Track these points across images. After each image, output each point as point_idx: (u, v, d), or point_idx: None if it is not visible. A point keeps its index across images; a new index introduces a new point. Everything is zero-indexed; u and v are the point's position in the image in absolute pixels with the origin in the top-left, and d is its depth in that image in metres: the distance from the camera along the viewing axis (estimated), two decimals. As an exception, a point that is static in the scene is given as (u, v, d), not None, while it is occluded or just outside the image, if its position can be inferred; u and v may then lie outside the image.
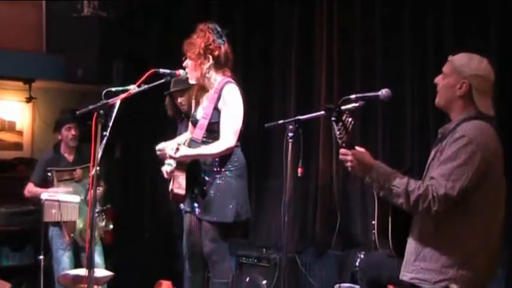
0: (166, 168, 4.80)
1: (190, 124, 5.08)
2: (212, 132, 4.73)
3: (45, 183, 6.11)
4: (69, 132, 6.13)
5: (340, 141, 3.38)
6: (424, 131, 5.37)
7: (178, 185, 4.76)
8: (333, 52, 6.08)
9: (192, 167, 4.78)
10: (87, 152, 6.01)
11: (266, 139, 6.52)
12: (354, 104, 3.81)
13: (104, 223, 6.00)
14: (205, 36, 4.74)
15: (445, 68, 3.53)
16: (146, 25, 7.77)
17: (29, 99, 7.93)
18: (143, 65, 7.03)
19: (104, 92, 4.15)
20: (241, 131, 4.74)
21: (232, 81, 4.79)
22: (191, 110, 5.14)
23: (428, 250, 3.36)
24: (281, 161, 6.29)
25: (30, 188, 6.16)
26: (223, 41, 4.77)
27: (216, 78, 4.81)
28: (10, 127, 8.07)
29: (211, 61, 4.75)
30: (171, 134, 5.64)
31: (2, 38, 7.46)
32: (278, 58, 6.64)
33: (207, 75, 4.79)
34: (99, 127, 4.02)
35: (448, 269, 3.30)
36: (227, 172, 4.77)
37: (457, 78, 3.44)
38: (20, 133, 8.13)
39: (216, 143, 4.68)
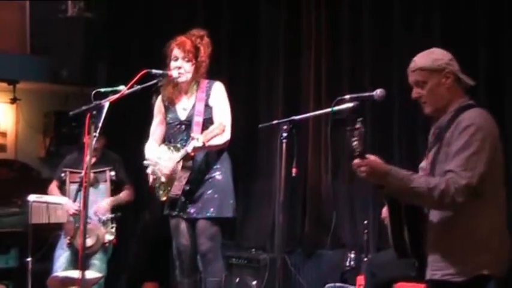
0: (149, 170, 4.87)
1: (160, 126, 5.06)
2: (207, 128, 4.75)
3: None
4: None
5: (355, 152, 3.32)
6: (412, 133, 5.43)
7: (179, 186, 4.77)
8: (321, 52, 6.10)
9: (196, 167, 4.80)
10: (110, 157, 6.01)
11: (253, 141, 6.53)
12: (348, 105, 3.83)
13: (107, 232, 5.91)
14: (206, 43, 4.86)
15: (417, 77, 3.51)
16: (131, 26, 7.74)
17: (13, 101, 7.86)
18: (127, 66, 7.08)
19: (93, 92, 4.11)
20: None
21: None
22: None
23: (452, 243, 3.36)
24: (268, 162, 6.42)
25: (52, 189, 6.13)
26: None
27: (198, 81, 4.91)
28: (-7, 129, 8.03)
29: (206, 64, 4.86)
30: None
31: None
32: (265, 58, 6.64)
33: (196, 75, 4.86)
34: (92, 128, 3.97)
35: (474, 257, 3.32)
36: (223, 169, 4.86)
37: (439, 75, 3.46)
38: (4, 134, 8.07)
39: (218, 137, 4.69)
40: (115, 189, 6.16)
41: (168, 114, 4.96)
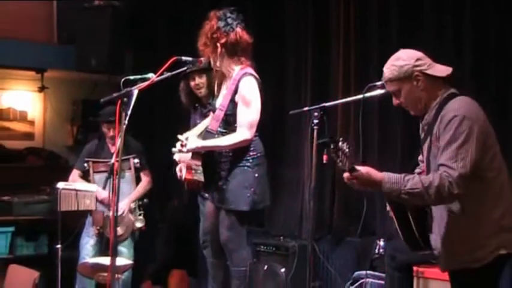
0: (175, 157, 4.89)
1: (211, 112, 5.09)
2: (228, 124, 4.75)
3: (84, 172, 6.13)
4: (108, 132, 6.00)
5: (343, 168, 3.38)
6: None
7: (195, 173, 4.77)
8: (350, 38, 6.06)
9: (209, 156, 4.78)
10: (132, 144, 6.02)
11: (281, 128, 6.51)
12: (379, 91, 3.81)
13: (136, 220, 5.96)
14: (210, 25, 4.74)
15: (390, 88, 3.54)
16: (157, 14, 7.75)
17: (41, 89, 7.92)
18: (154, 54, 7.09)
19: (122, 80, 4.11)
20: (259, 123, 4.76)
21: (251, 72, 4.77)
22: (211, 95, 5.22)
23: (464, 232, 3.38)
24: (296, 149, 6.39)
25: (74, 177, 6.13)
26: (232, 28, 4.73)
27: (234, 68, 4.81)
28: (22, 117, 8.07)
29: (219, 49, 4.73)
30: (184, 124, 5.63)
31: (14, 29, 7.46)
32: (293, 47, 6.60)
33: (219, 63, 4.79)
34: (123, 115, 3.96)
35: (489, 240, 3.34)
36: (244, 161, 4.79)
37: (409, 81, 3.46)
38: (32, 123, 8.12)
39: (231, 135, 4.71)
40: (139, 176, 6.18)
41: (216, 98, 4.96)
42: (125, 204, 5.91)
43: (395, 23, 5.77)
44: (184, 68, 4.54)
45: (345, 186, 5.91)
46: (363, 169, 3.37)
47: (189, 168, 4.80)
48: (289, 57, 6.63)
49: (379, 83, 3.79)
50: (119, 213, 5.85)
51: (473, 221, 3.36)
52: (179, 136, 4.87)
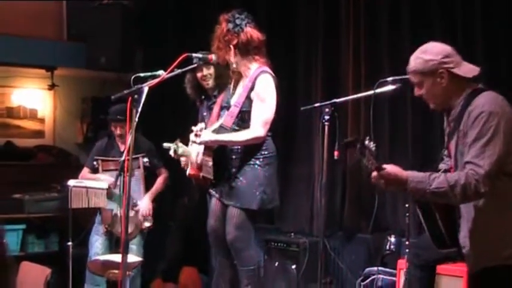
0: (171, 152, 4.92)
1: (215, 105, 5.10)
2: (243, 120, 4.75)
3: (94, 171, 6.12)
4: (115, 130, 5.98)
5: (370, 167, 3.34)
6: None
7: (205, 169, 4.77)
8: (360, 37, 6.04)
9: (220, 153, 4.78)
10: (141, 143, 6.03)
11: (292, 125, 6.50)
12: (390, 87, 3.80)
13: (144, 218, 5.95)
14: (220, 28, 4.77)
15: (413, 79, 3.50)
16: (166, 12, 7.75)
17: (51, 87, 7.94)
18: (164, 52, 7.09)
19: (133, 77, 4.11)
20: (273, 121, 4.75)
21: (267, 70, 4.77)
22: (217, 87, 5.34)
23: (493, 228, 3.35)
24: (306, 145, 6.37)
25: (84, 174, 6.10)
26: (241, 28, 4.74)
27: (250, 66, 4.82)
28: (32, 115, 8.11)
29: (233, 51, 4.75)
30: (193, 120, 5.62)
31: (23, 26, 7.49)
32: (303, 43, 6.57)
33: (235, 64, 4.80)
34: (134, 112, 3.95)
35: None
36: (255, 160, 4.77)
37: (432, 76, 3.42)
38: (42, 121, 8.17)
39: (244, 131, 4.71)
40: (148, 175, 6.16)
41: (231, 97, 4.95)
42: (146, 202, 5.96)
43: (406, 18, 5.74)
44: (195, 65, 4.54)
45: (356, 183, 6.01)
46: (388, 168, 3.35)
47: (193, 164, 4.82)
48: (300, 54, 6.59)
49: (389, 78, 3.79)
50: (145, 212, 5.89)
51: (502, 217, 3.33)
52: (193, 127, 4.87)
